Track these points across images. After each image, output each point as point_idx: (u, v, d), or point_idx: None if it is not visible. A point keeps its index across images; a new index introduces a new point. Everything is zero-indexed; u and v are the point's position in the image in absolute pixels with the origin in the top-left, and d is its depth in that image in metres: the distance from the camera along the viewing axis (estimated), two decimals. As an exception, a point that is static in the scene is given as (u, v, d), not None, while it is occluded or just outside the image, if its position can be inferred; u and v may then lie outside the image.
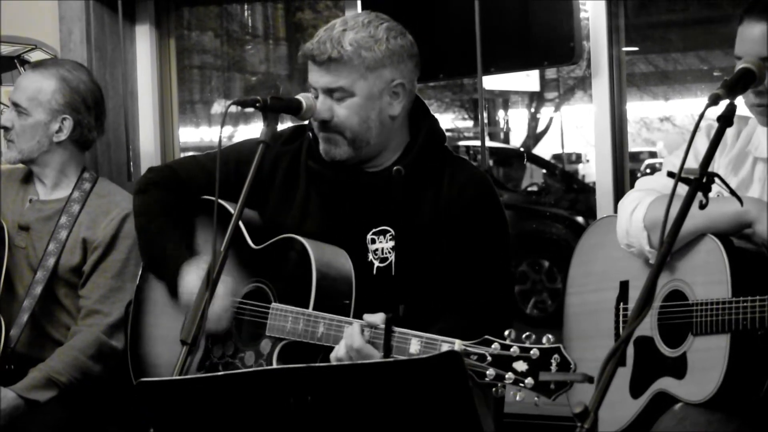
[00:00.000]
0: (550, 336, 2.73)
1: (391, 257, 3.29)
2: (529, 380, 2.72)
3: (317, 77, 3.30)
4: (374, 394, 2.35)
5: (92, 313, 4.03)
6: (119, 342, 3.96)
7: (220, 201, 3.39)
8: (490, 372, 2.77)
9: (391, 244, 3.30)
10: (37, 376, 3.91)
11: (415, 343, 2.97)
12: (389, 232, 3.31)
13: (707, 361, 2.95)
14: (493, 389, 2.77)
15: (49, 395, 3.89)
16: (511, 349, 2.75)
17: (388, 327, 2.99)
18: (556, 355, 2.71)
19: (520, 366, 2.74)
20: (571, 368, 2.69)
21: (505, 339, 2.78)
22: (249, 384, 2.42)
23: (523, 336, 2.76)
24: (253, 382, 2.42)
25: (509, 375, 2.74)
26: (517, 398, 2.77)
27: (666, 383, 3.06)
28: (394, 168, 3.27)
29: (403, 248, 3.25)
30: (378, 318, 3.04)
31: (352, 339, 3.03)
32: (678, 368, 3.03)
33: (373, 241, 3.32)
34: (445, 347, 2.90)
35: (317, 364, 2.41)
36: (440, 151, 3.41)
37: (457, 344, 2.87)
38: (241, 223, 3.36)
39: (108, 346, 3.98)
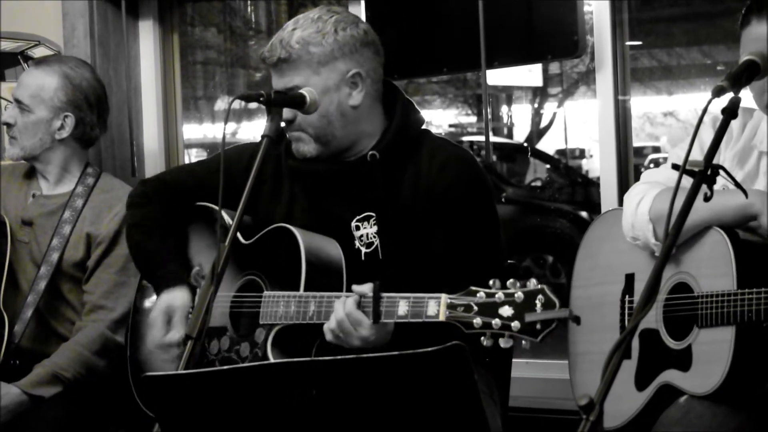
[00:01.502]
0: (534, 280, 2.74)
1: (377, 241, 3.31)
2: (515, 324, 2.73)
3: (275, 80, 3.33)
4: (379, 386, 2.36)
5: (96, 308, 4.04)
6: (124, 337, 3.96)
7: (214, 206, 3.42)
8: (477, 321, 2.78)
9: (375, 228, 3.32)
10: (42, 372, 3.91)
11: (402, 305, 2.98)
12: (372, 217, 3.33)
13: (712, 354, 2.94)
14: (481, 338, 2.78)
15: (53, 391, 3.90)
16: (496, 296, 2.77)
17: (376, 294, 3.00)
18: (540, 296, 2.72)
19: (506, 311, 2.75)
20: (556, 307, 2.70)
21: (490, 288, 2.79)
22: (254, 378, 2.42)
23: (508, 282, 2.77)
24: (258, 375, 2.42)
25: (496, 321, 2.76)
26: (507, 344, 2.77)
27: (671, 376, 3.06)
28: (369, 153, 3.30)
29: (387, 231, 3.30)
30: (366, 287, 3.05)
31: (342, 304, 3.06)
32: (683, 361, 3.03)
33: (358, 228, 3.34)
34: (432, 303, 2.91)
35: (322, 358, 2.41)
36: (416, 132, 3.41)
37: (443, 298, 2.88)
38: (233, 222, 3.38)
39: (112, 341, 3.99)
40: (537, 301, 2.72)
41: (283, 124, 3.32)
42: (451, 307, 2.86)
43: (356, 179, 3.35)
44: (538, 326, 2.72)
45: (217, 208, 3.45)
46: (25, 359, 3.99)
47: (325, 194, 3.39)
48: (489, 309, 2.78)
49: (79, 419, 3.95)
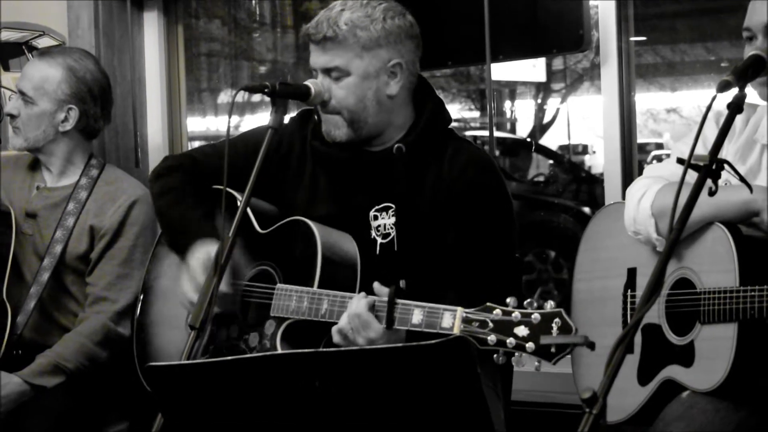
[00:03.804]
0: (552, 302, 2.73)
1: (393, 233, 3.31)
2: (530, 345, 2.71)
3: (315, 57, 3.34)
4: (382, 378, 2.35)
5: (99, 300, 4.04)
6: (126, 329, 3.97)
7: (230, 191, 3.41)
8: (492, 338, 2.77)
9: (393, 220, 3.32)
10: (44, 363, 3.92)
11: (417, 314, 2.97)
12: (391, 208, 3.33)
13: (715, 350, 2.95)
14: (494, 356, 2.77)
15: (56, 381, 3.90)
16: (513, 315, 2.75)
17: (391, 299, 2.99)
18: (557, 319, 2.69)
19: (522, 331, 2.73)
20: (572, 332, 2.69)
21: (507, 306, 2.78)
22: (257, 369, 2.42)
23: (525, 302, 2.75)
24: (261, 366, 2.42)
25: (510, 340, 2.74)
26: (518, 364, 2.76)
27: (673, 371, 3.06)
28: (396, 146, 3.31)
29: (405, 224, 3.30)
30: (382, 292, 3.05)
31: (354, 304, 3.05)
32: (685, 356, 3.03)
33: (376, 218, 3.34)
34: (447, 316, 2.90)
35: (325, 350, 2.42)
36: (443, 131, 3.43)
37: (459, 311, 2.87)
38: (249, 210, 3.38)
39: (115, 333, 3.99)
40: (553, 324, 2.69)
41: (286, 113, 3.32)
42: (466, 321, 2.84)
43: (379, 169, 3.36)
44: (553, 349, 2.70)
45: (234, 192, 3.45)
46: (27, 350, 3.99)
47: (346, 181, 3.40)
48: (504, 327, 2.76)
49: (81, 410, 3.95)
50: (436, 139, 3.38)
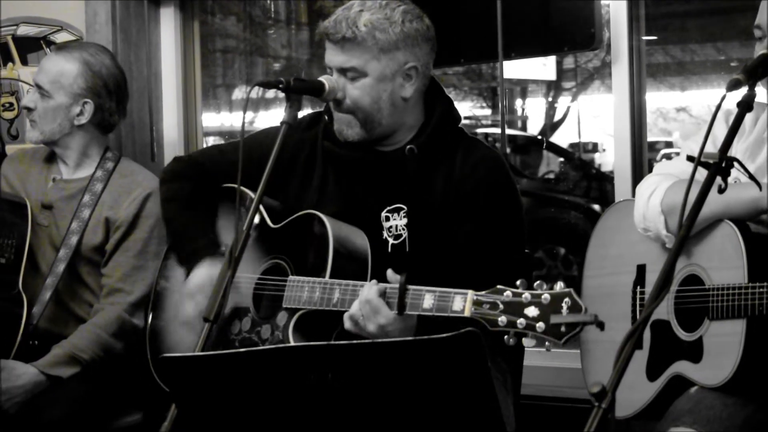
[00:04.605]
0: (561, 283, 2.74)
1: (405, 234, 3.33)
2: (540, 324, 2.72)
3: (332, 56, 3.34)
4: (394, 371, 2.37)
5: (114, 291, 4.06)
6: (141, 320, 3.98)
7: (243, 188, 3.44)
8: (502, 319, 2.79)
9: (405, 221, 3.34)
10: (60, 353, 3.94)
11: (428, 298, 2.99)
12: (403, 209, 3.35)
13: (723, 346, 2.96)
14: (505, 336, 2.79)
15: (71, 372, 3.92)
16: (523, 296, 2.76)
17: (402, 285, 3.01)
18: (567, 299, 2.70)
19: (532, 311, 2.75)
20: (582, 311, 2.70)
21: (516, 287, 2.79)
22: (270, 361, 2.43)
23: (535, 284, 2.77)
24: (274, 358, 2.43)
25: (521, 321, 2.76)
26: (528, 344, 2.78)
27: (682, 367, 3.07)
28: (407, 147, 3.32)
29: (417, 225, 3.31)
30: (394, 279, 3.07)
31: (365, 290, 3.07)
32: (694, 352, 3.04)
33: (388, 219, 3.36)
34: (458, 299, 2.92)
35: (337, 342, 2.44)
36: (454, 131, 3.44)
37: (470, 294, 2.89)
38: (261, 206, 3.40)
39: (130, 324, 4.01)
40: (563, 304, 2.71)
41: (300, 108, 3.35)
42: (477, 303, 2.86)
43: (390, 170, 3.37)
44: (563, 329, 2.71)
45: (246, 190, 3.48)
46: (43, 340, 4.01)
47: (357, 181, 3.42)
48: (515, 308, 2.78)
49: (97, 400, 3.97)
50: (446, 138, 3.40)
